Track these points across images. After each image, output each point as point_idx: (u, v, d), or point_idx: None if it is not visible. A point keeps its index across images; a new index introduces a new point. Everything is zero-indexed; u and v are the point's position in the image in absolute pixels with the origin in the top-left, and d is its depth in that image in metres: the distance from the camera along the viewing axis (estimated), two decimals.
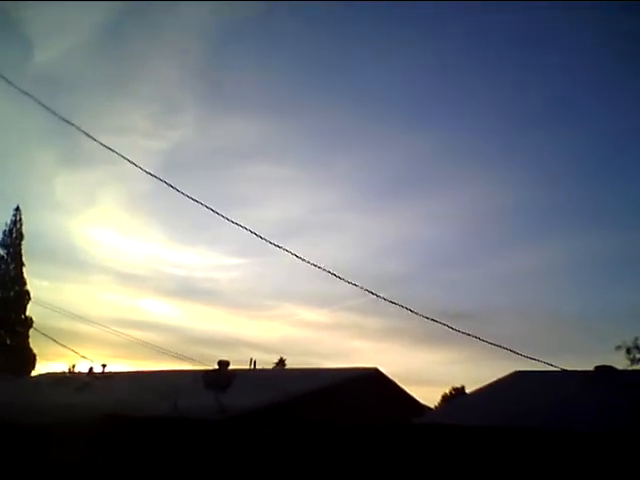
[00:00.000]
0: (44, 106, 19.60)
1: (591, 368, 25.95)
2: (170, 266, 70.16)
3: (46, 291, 64.08)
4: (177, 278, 69.27)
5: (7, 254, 58.39)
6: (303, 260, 18.92)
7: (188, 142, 59.47)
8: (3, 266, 58.09)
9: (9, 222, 58.96)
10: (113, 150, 19.45)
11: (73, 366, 43.75)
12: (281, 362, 65.39)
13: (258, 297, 68.64)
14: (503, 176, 54.85)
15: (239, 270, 69.55)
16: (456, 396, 58.79)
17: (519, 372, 28.45)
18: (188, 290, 68.45)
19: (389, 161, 59.53)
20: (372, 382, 30.28)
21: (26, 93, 19.54)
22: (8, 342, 56.81)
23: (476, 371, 59.16)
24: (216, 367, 29.90)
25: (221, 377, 27.19)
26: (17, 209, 59.47)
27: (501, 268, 61.25)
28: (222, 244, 63.60)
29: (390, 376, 31.52)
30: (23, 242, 58.80)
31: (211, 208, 18.78)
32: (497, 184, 54.79)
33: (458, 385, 61.31)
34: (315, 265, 18.95)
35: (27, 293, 57.88)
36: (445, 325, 19.36)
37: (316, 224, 64.86)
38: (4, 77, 19.48)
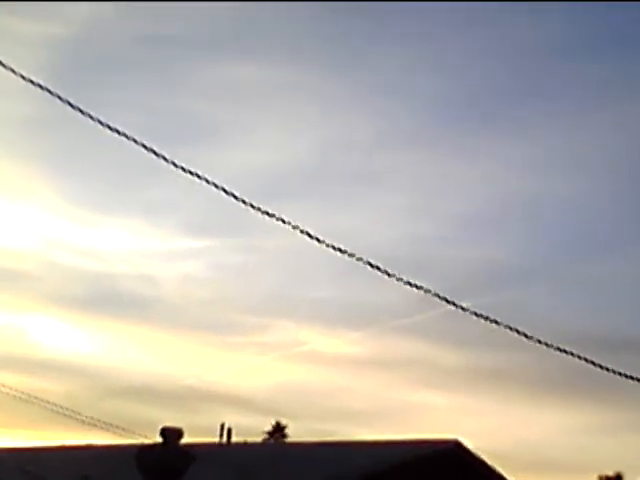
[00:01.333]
0: None
1: None
2: (74, 255, 45.28)
3: None
4: (86, 277, 44.92)
5: None
6: (318, 241, 13.24)
7: (100, 25, 39.18)
8: None
9: None
10: None
11: None
12: (278, 430, 48.26)
13: (231, 310, 47.13)
14: None
15: (199, 261, 46.87)
16: None
17: None
18: (107, 299, 44.17)
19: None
20: (449, 463, 25.52)
21: None
22: None
23: None
24: (159, 440, 22.72)
25: (167, 459, 21.26)
26: None
27: None
28: (168, 213, 43.71)
29: (481, 454, 26.74)
30: None
31: (147, 146, 12.39)
32: None
33: (612, 472, 43.73)
34: (340, 250, 13.33)
35: None
36: (593, 364, 13.89)
37: (340, 173, 46.88)
38: None
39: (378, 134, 46.92)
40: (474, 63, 47.04)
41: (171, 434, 22.72)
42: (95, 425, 33.00)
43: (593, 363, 13.78)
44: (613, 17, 43.79)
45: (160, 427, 23.16)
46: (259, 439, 42.61)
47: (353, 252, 13.38)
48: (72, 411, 32.03)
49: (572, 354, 13.67)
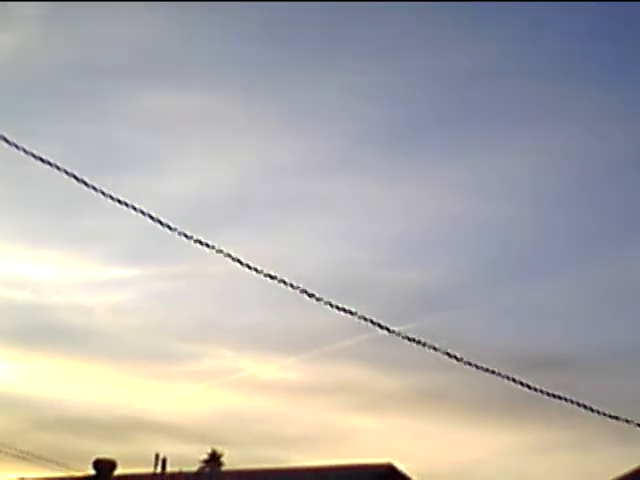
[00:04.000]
0: None
1: None
2: (4, 286, 45.52)
3: None
4: (18, 309, 44.62)
5: None
6: (249, 267, 13.32)
7: (24, 54, 41.27)
8: None
9: None
10: None
11: None
12: (214, 458, 46.45)
13: (166, 338, 46.72)
14: None
15: (131, 289, 47.59)
16: None
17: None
18: (39, 330, 44.07)
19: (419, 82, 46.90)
20: None
21: None
22: None
23: (577, 464, 39.52)
24: (91, 473, 22.85)
25: None
26: None
27: (620, 271, 45.22)
28: (98, 242, 44.25)
29: (415, 477, 28.75)
30: None
31: (77, 177, 12.21)
32: None
33: None
34: (270, 276, 13.41)
35: None
36: (523, 384, 14.14)
37: (270, 199, 47.69)
38: None
39: (307, 159, 46.98)
40: (401, 89, 47.43)
41: (104, 466, 22.95)
42: (26, 458, 32.65)
43: (521, 383, 13.93)
44: (547, 41, 44.69)
45: (93, 459, 23.22)
46: (194, 468, 42.07)
47: (283, 278, 13.40)
48: (3, 444, 31.82)
49: (500, 375, 13.80)
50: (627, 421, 14.34)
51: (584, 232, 48.80)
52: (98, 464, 23.73)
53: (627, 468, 29.07)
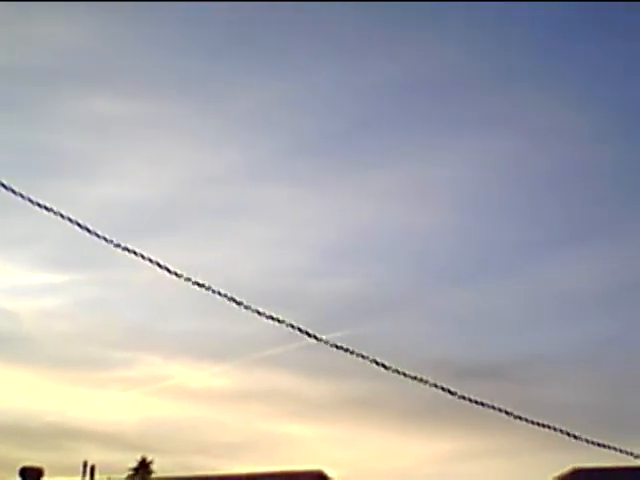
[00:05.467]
0: None
1: None
2: None
3: None
4: None
5: None
6: (177, 275, 13.21)
7: None
8: None
9: None
10: None
11: None
12: (144, 465, 43.92)
13: (95, 345, 46.19)
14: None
15: (59, 295, 47.55)
16: None
17: (578, 470, 26.57)
18: None
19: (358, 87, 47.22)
20: None
21: None
22: None
23: (507, 470, 40.12)
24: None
25: None
26: None
27: (550, 280, 46.48)
28: (25, 247, 44.24)
29: None
30: None
31: (5, 184, 12.10)
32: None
33: None
34: (198, 284, 13.32)
35: None
36: (450, 392, 14.09)
37: (203, 207, 48.30)
38: None
39: (241, 168, 46.79)
40: (334, 97, 47.45)
41: (31, 474, 22.58)
42: None
43: (449, 391, 13.95)
44: (484, 48, 45.01)
45: (19, 467, 22.84)
46: (123, 476, 41.41)
47: (211, 286, 13.36)
48: None
49: (427, 382, 13.80)
50: (550, 427, 14.47)
51: (519, 240, 49.22)
52: (25, 472, 23.33)
53: (554, 473, 29.58)
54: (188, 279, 13.12)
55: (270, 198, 47.58)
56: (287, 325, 13.66)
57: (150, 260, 12.71)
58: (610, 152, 47.19)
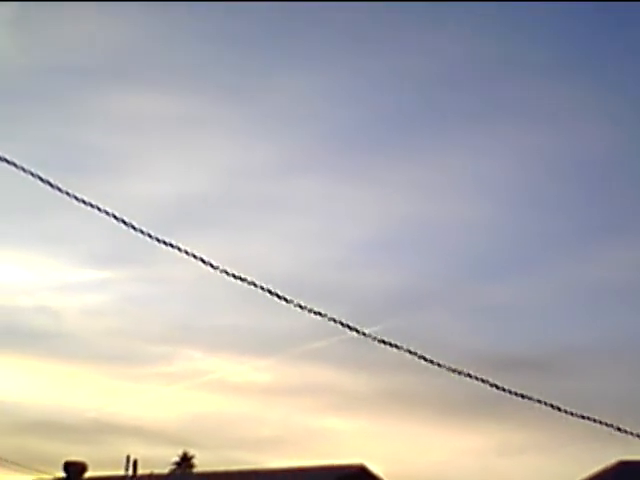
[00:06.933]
0: None
1: None
2: None
3: None
4: None
5: None
6: (219, 270, 13.07)
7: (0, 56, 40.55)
8: None
9: None
10: None
11: None
12: (186, 460, 46.81)
13: (136, 340, 46.62)
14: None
15: (101, 292, 47.30)
16: None
17: (624, 463, 26.88)
18: (7, 333, 43.48)
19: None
20: None
21: None
22: None
23: (549, 465, 39.37)
24: (61, 475, 22.44)
25: None
26: None
27: (583, 272, 46.26)
28: (67, 244, 44.52)
29: (387, 478, 28.92)
30: None
31: (43, 178, 12.11)
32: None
33: None
34: (240, 278, 13.15)
35: None
36: (492, 385, 13.90)
37: (240, 201, 47.50)
38: None
39: (277, 161, 46.82)
40: (368, 92, 47.31)
41: (74, 468, 22.58)
42: None
43: (490, 384, 13.87)
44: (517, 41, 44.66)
45: (63, 461, 22.96)
46: (166, 470, 41.68)
47: (253, 280, 13.31)
48: None
49: (469, 375, 13.73)
50: (595, 420, 14.33)
51: (551, 232, 48.81)
52: (68, 466, 23.40)
53: (598, 467, 29.26)
54: (229, 273, 13.08)
55: (306, 191, 47.70)
56: (328, 319, 13.61)
57: (194, 256, 12.74)
58: None
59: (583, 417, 14.07)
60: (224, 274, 13.35)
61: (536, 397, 14.19)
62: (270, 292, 13.52)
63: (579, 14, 43.25)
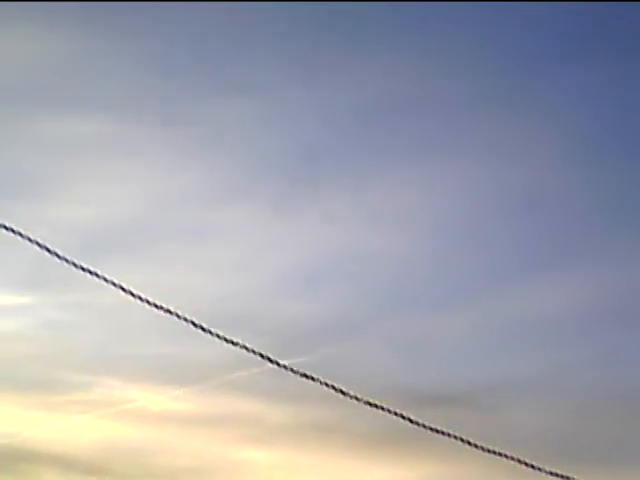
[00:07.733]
0: None
1: None
2: None
3: None
4: None
5: None
6: (137, 298, 12.95)
7: None
8: None
9: None
10: None
11: None
12: None
13: (56, 369, 46.96)
14: None
15: (18, 318, 48.68)
16: None
17: None
18: None
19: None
20: None
21: None
22: None
23: None
24: None
25: None
26: None
27: (523, 305, 46.20)
28: None
29: None
30: None
31: None
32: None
33: None
34: (159, 307, 13.01)
35: None
36: (412, 421, 14.05)
37: (165, 228, 47.18)
38: None
39: (200, 189, 46.17)
40: (297, 116, 47.03)
41: None
42: None
43: (408, 419, 13.95)
44: (445, 74, 45.09)
45: None
46: None
47: (171, 308, 13.28)
48: None
49: (386, 410, 13.75)
50: (511, 458, 14.31)
51: (492, 265, 48.66)
52: None
53: None
54: (149, 301, 12.95)
55: (230, 220, 46.98)
56: (247, 350, 13.49)
57: (113, 283, 12.57)
58: (587, 175, 47.10)
59: (495, 452, 14.01)
60: (144, 302, 13.21)
61: (449, 432, 14.24)
62: (189, 321, 13.26)
63: (530, 42, 43.66)
